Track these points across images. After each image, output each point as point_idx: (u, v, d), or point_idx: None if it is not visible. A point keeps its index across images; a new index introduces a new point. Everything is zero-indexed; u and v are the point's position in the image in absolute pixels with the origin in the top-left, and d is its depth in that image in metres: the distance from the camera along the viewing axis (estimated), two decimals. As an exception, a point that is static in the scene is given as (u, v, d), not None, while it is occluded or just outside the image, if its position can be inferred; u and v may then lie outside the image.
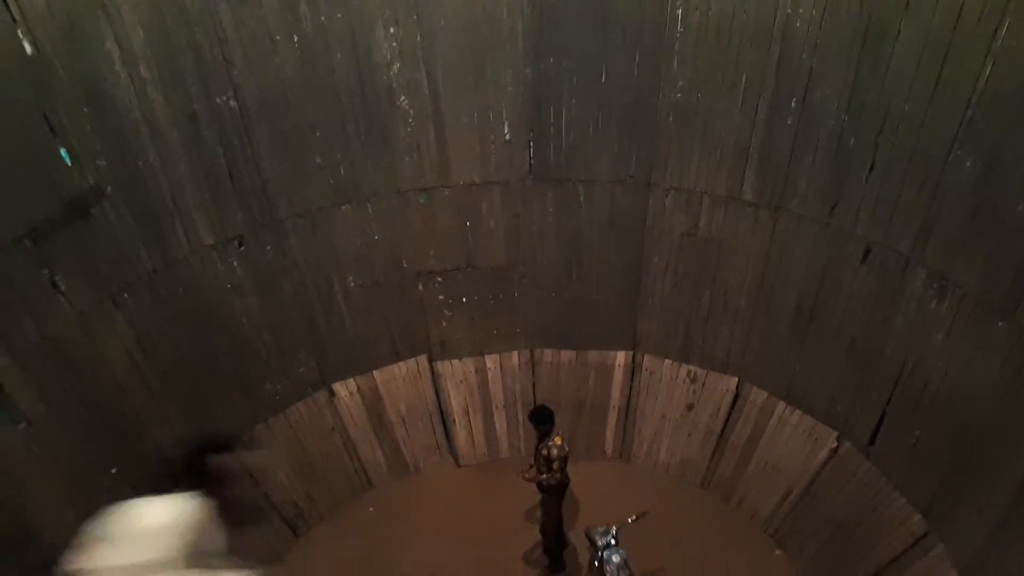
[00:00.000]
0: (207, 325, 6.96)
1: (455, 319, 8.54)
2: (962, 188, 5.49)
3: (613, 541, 6.74)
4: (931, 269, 5.93)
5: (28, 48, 5.11)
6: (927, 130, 5.62)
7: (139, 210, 6.16)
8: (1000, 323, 5.40)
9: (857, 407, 6.95)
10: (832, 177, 6.49)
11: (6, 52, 5.00)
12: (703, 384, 8.26)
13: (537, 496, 7.15)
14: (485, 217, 8.04)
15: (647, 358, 8.53)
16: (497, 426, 8.86)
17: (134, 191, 6.09)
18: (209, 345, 7.03)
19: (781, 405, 7.70)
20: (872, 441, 6.83)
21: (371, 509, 8.28)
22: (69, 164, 5.56)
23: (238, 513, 3.93)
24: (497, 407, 8.85)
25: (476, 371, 8.79)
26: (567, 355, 8.75)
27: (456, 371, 8.76)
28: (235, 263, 7.03)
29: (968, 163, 5.39)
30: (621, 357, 8.62)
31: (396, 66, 7.07)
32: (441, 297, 8.39)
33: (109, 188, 5.88)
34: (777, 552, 7.61)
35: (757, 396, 7.91)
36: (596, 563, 6.74)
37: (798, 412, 7.57)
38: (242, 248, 7.03)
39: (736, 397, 8.08)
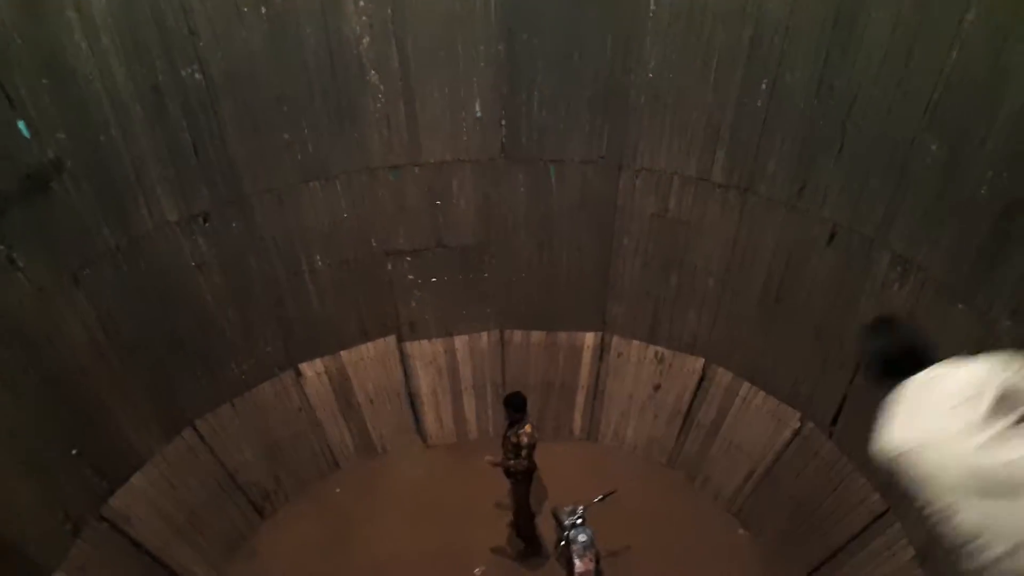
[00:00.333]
0: (171, 303, 6.84)
1: (424, 299, 8.49)
2: (927, 172, 5.57)
3: (580, 520, 6.80)
4: (895, 252, 6.02)
5: None
6: (894, 114, 5.69)
7: (101, 185, 6.02)
8: (960, 306, 5.51)
9: (820, 388, 7.06)
10: (800, 159, 6.55)
11: (-40, 19, 4.83)
12: (670, 365, 8.33)
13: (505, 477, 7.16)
14: (455, 196, 7.98)
15: (615, 339, 8.57)
16: (466, 407, 8.85)
17: (95, 165, 5.94)
18: (173, 324, 6.91)
19: (746, 386, 7.80)
20: (834, 422, 6.95)
21: (338, 490, 8.24)
22: (27, 137, 5.42)
23: None
24: (466, 388, 8.84)
25: (445, 352, 8.76)
26: (537, 336, 8.76)
27: (425, 352, 8.72)
28: (200, 240, 6.91)
29: (933, 147, 5.47)
30: (590, 338, 8.65)
31: (366, 40, 6.96)
32: (410, 277, 8.33)
33: (69, 162, 5.74)
34: (740, 531, 7.73)
35: (723, 377, 8.00)
36: (563, 542, 6.80)
37: (763, 393, 7.67)
38: (207, 225, 6.90)
39: (702, 378, 8.16)
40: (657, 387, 8.42)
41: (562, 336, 8.69)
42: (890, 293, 6.12)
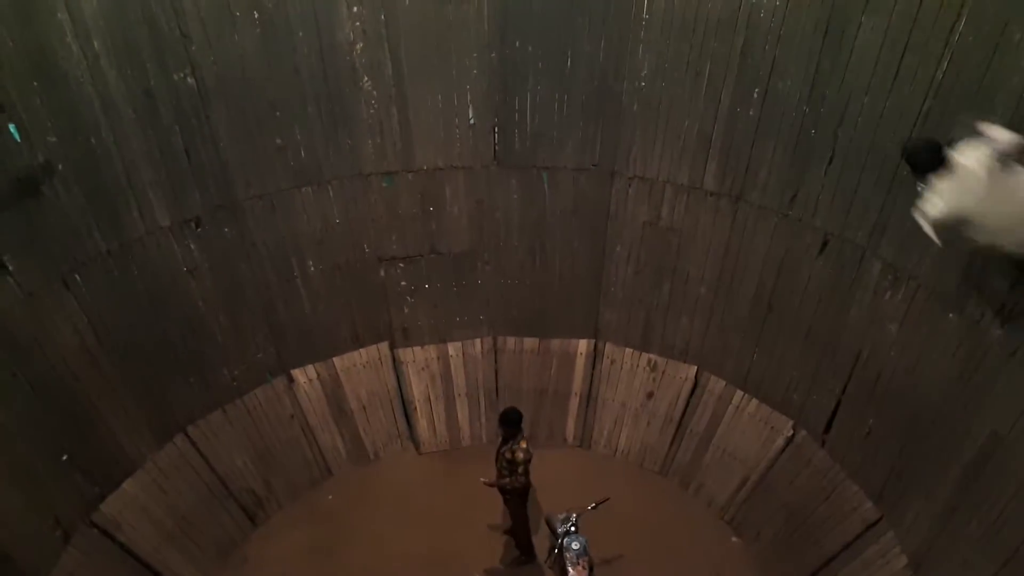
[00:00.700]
0: (162, 308, 6.82)
1: (417, 305, 8.48)
2: (917, 181, 5.57)
3: (573, 528, 6.77)
4: (886, 261, 6.04)
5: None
6: (885, 123, 5.71)
7: (92, 189, 6.01)
8: (951, 315, 5.52)
9: (813, 396, 7.06)
10: (792, 168, 6.56)
11: (-50, 21, 4.82)
12: (663, 372, 8.32)
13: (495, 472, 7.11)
14: (449, 202, 7.98)
15: (608, 346, 8.57)
16: (459, 413, 8.83)
17: (87, 169, 5.93)
18: (164, 329, 6.89)
19: (739, 394, 7.80)
20: (827, 430, 6.95)
21: (331, 497, 8.21)
22: (18, 140, 5.40)
23: None
24: (459, 394, 8.82)
25: (438, 358, 8.75)
26: (530, 343, 8.75)
27: (418, 358, 8.71)
28: (192, 245, 6.89)
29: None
30: (583, 345, 8.65)
31: (359, 46, 6.97)
32: (403, 283, 8.32)
33: (60, 165, 5.73)
34: (734, 538, 7.71)
35: (715, 385, 8.00)
36: (556, 550, 6.77)
37: (755, 401, 7.67)
38: (199, 229, 6.89)
39: (695, 386, 8.16)
40: (650, 394, 8.41)
41: (555, 343, 8.69)
42: (882, 301, 6.13)
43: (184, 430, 7.27)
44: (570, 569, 6.63)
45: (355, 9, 6.79)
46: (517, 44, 7.14)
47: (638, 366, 8.46)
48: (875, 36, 5.56)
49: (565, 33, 7.03)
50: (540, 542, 7.48)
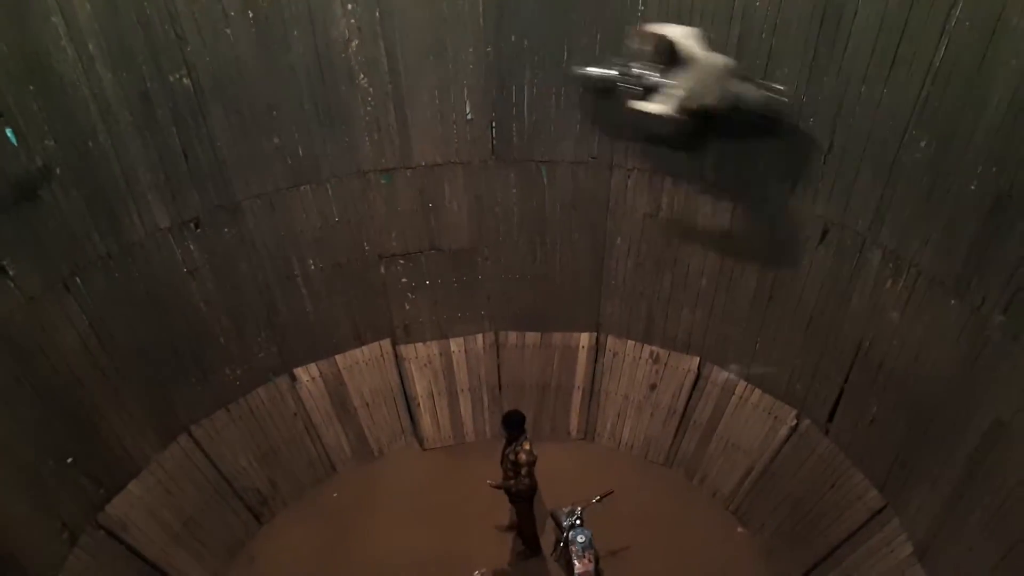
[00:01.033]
0: (164, 310, 6.83)
1: (418, 302, 8.48)
2: (917, 168, 5.57)
3: (578, 521, 6.79)
4: (887, 249, 6.02)
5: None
6: (883, 110, 5.68)
7: (90, 192, 6.01)
8: (953, 301, 5.52)
9: (816, 385, 7.06)
10: (791, 157, 6.53)
11: (-56, 27, 4.82)
12: (665, 364, 8.32)
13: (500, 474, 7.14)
14: (447, 198, 7.97)
15: (610, 339, 8.57)
16: (462, 409, 8.84)
17: (85, 172, 5.93)
18: (166, 330, 6.90)
19: (742, 384, 7.80)
20: (831, 418, 6.95)
21: (335, 495, 8.23)
22: (15, 144, 5.40)
23: None
24: (462, 390, 8.83)
25: (440, 354, 8.75)
26: (531, 337, 8.75)
27: (420, 354, 8.71)
28: (192, 246, 6.90)
29: (922, 143, 5.47)
30: (585, 338, 8.64)
31: (355, 43, 6.94)
32: (404, 280, 8.32)
33: (58, 169, 5.73)
34: (739, 529, 7.72)
35: (718, 375, 8.00)
36: (561, 543, 6.79)
37: (758, 391, 7.67)
38: (198, 230, 6.89)
39: (698, 377, 8.15)
40: (653, 386, 8.41)
41: (557, 337, 8.68)
42: (883, 289, 6.12)
43: (188, 430, 7.29)
44: (576, 562, 6.65)
45: (349, 6, 6.76)
46: (512, 38, 7.11)
47: (640, 358, 8.46)
48: (871, 23, 5.53)
49: (560, 26, 7.00)
50: (545, 536, 7.51)
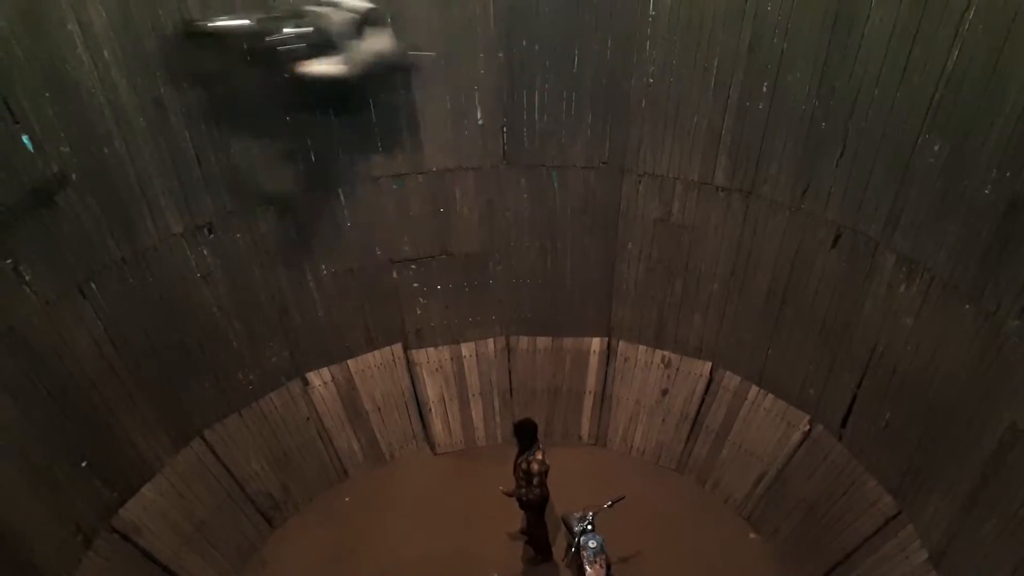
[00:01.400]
0: (177, 314, 6.86)
1: (430, 307, 8.50)
2: (930, 172, 5.54)
3: (590, 526, 6.77)
4: (900, 253, 6.00)
5: None
6: (896, 114, 5.67)
7: (105, 198, 6.05)
8: (967, 306, 5.48)
9: (829, 390, 7.02)
10: (803, 162, 6.53)
11: (-37, 35, 4.87)
12: (677, 369, 8.30)
13: (513, 481, 7.14)
14: (459, 203, 7.99)
15: (622, 344, 8.56)
16: (473, 414, 8.85)
17: (100, 178, 5.97)
18: (180, 335, 6.93)
19: (754, 389, 7.77)
20: (844, 424, 6.91)
21: (347, 499, 8.24)
22: (31, 151, 5.44)
23: None
24: (473, 395, 8.84)
25: (452, 359, 8.77)
26: (543, 342, 8.75)
27: (432, 359, 8.73)
28: (205, 251, 6.93)
29: (936, 147, 5.45)
30: (596, 343, 8.64)
31: (367, 50, 6.98)
32: (416, 284, 8.34)
33: (74, 175, 5.77)
34: (751, 535, 7.68)
35: (730, 381, 7.97)
36: (573, 549, 6.77)
37: (771, 396, 7.64)
38: (212, 235, 6.93)
39: (710, 382, 8.13)
40: (665, 391, 8.39)
41: (568, 341, 8.68)
42: (896, 294, 6.09)
43: (201, 434, 7.32)
44: (587, 568, 6.63)
45: (362, 12, 6.81)
46: (524, 43, 7.14)
47: (652, 363, 8.44)
48: (884, 27, 5.53)
49: (572, 31, 7.03)
50: (557, 541, 7.49)
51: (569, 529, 7.06)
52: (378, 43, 6.20)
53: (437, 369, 8.75)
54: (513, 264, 8.37)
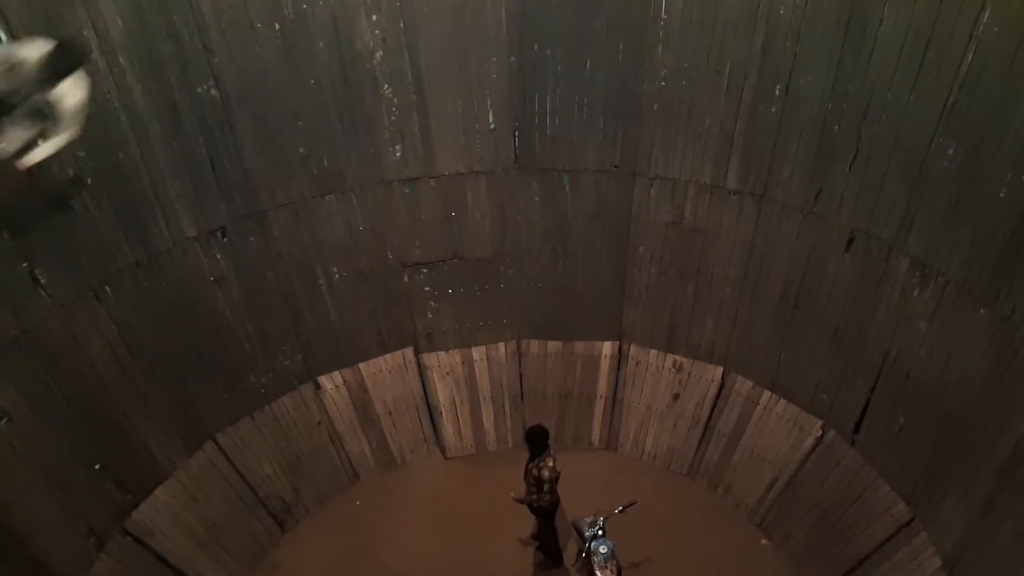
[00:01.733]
0: (191, 318, 6.91)
1: (441, 310, 8.51)
2: (944, 175, 5.51)
3: (600, 532, 6.75)
4: (914, 257, 5.96)
5: (3, 36, 5.03)
6: (910, 117, 5.64)
7: (120, 202, 6.10)
8: (982, 310, 5.44)
9: (842, 395, 6.98)
10: (816, 165, 6.50)
11: (-19, 40, 4.93)
12: (689, 374, 8.27)
13: (524, 487, 7.13)
14: (471, 207, 8.00)
15: (633, 348, 8.53)
16: (484, 418, 8.84)
17: (115, 182, 6.03)
18: (193, 338, 6.98)
19: (766, 394, 7.73)
20: (857, 429, 6.86)
21: (358, 502, 8.25)
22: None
23: None
24: (484, 399, 8.83)
25: (463, 363, 8.77)
26: (554, 346, 8.74)
27: (443, 363, 8.73)
28: (218, 255, 6.97)
29: (950, 150, 5.41)
30: (607, 347, 8.62)
31: (379, 54, 7.02)
32: (427, 288, 8.35)
33: (89, 179, 5.82)
34: (763, 540, 7.64)
35: (742, 385, 7.93)
36: (584, 554, 6.76)
37: (783, 401, 7.59)
38: (225, 239, 6.97)
39: (722, 386, 8.10)
40: (676, 396, 8.36)
41: (579, 346, 8.67)
42: (910, 298, 6.05)
43: (213, 438, 7.35)
44: (598, 573, 6.62)
45: (374, 18, 6.84)
46: (536, 47, 7.15)
47: (663, 368, 8.42)
48: (898, 30, 5.50)
49: (583, 35, 7.03)
50: (568, 546, 7.47)
51: (580, 534, 7.04)
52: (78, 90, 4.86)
53: (448, 373, 8.75)
54: (524, 268, 8.37)
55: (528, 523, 7.45)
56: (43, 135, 4.88)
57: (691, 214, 7.56)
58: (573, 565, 7.30)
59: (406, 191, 7.79)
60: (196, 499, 7.12)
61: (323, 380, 8.23)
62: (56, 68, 4.77)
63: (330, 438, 8.28)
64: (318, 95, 6.95)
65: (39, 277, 5.59)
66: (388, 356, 8.55)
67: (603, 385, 8.68)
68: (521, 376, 8.84)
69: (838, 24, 5.87)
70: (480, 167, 7.80)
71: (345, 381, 8.36)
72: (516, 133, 7.64)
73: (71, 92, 4.84)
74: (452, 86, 7.32)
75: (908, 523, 6.25)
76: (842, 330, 6.79)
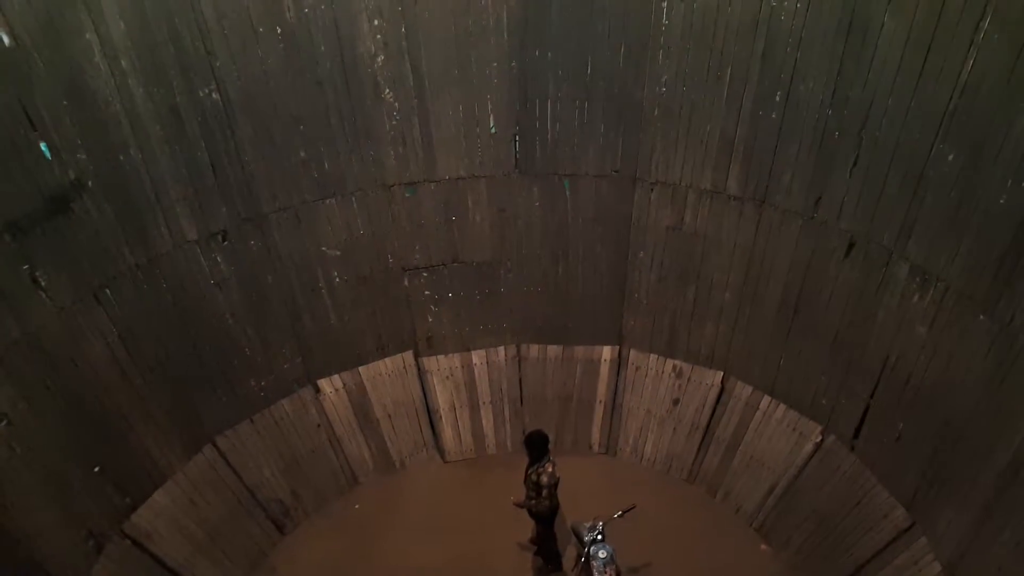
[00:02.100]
0: (191, 321, 6.91)
1: (441, 314, 8.51)
2: (944, 181, 5.52)
3: (600, 536, 6.74)
4: (914, 263, 5.96)
5: (6, 40, 5.05)
6: (910, 123, 5.65)
7: (121, 205, 6.11)
8: (982, 316, 5.44)
9: (841, 401, 6.98)
10: (816, 171, 6.51)
11: (-17, 44, 4.94)
12: (688, 379, 8.27)
13: (523, 492, 7.13)
14: (471, 211, 8.01)
15: (633, 353, 8.54)
16: (483, 422, 8.84)
17: (116, 185, 6.03)
18: (193, 341, 6.98)
19: (766, 399, 7.73)
20: (856, 435, 6.86)
21: (357, 506, 8.24)
22: (49, 158, 5.51)
23: None
24: (483, 403, 8.83)
25: (462, 367, 8.77)
26: (553, 350, 8.75)
27: (442, 367, 8.73)
28: (219, 258, 6.98)
29: (950, 156, 5.42)
30: (607, 352, 8.62)
31: (380, 58, 7.03)
32: (427, 292, 8.36)
33: (90, 182, 5.83)
34: (762, 546, 7.63)
35: (742, 390, 7.94)
36: (583, 558, 6.74)
37: (783, 406, 7.59)
38: (225, 243, 6.98)
39: (721, 392, 8.10)
40: (676, 401, 8.36)
41: (579, 350, 8.67)
42: (910, 304, 6.05)
43: (213, 441, 7.35)
44: (597, 577, 6.60)
45: (376, 22, 6.86)
46: (537, 53, 7.16)
47: (663, 372, 8.42)
48: (898, 36, 5.52)
49: (584, 41, 7.05)
50: (567, 550, 7.46)
51: (579, 539, 7.03)
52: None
53: (448, 377, 8.75)
54: (524, 272, 8.37)
55: (527, 527, 7.45)
56: None
57: (691, 219, 7.57)
58: (572, 569, 7.27)
59: (407, 195, 7.80)
60: (195, 502, 7.11)
61: (323, 383, 8.22)
62: None
63: (329, 442, 8.27)
64: (319, 99, 6.96)
65: (39, 279, 5.59)
66: (388, 360, 8.55)
67: (603, 390, 8.68)
68: (521, 380, 8.84)
69: (839, 30, 5.89)
70: (481, 171, 7.81)
71: (345, 384, 8.36)
72: (517, 137, 7.65)
73: None
74: (453, 90, 7.33)
75: (908, 529, 6.25)
76: (842, 336, 6.79)
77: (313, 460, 8.15)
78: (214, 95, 6.41)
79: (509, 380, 8.83)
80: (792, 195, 6.79)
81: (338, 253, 7.74)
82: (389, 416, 8.61)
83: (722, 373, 8.07)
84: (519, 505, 6.97)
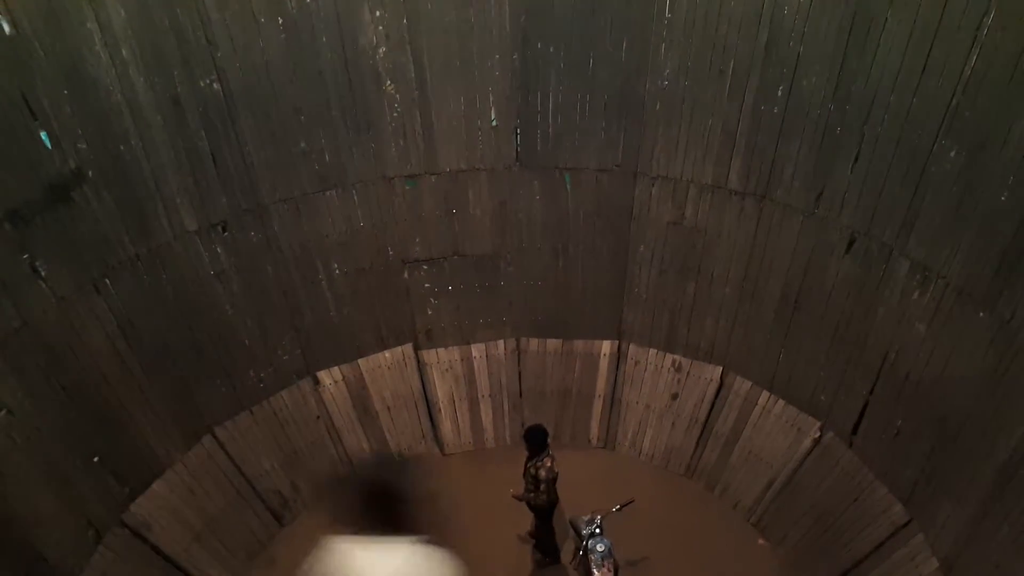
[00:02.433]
0: (190, 312, 6.90)
1: (441, 307, 8.51)
2: (946, 178, 5.51)
3: (598, 530, 6.76)
4: (914, 259, 5.96)
5: (7, 28, 5.03)
6: (912, 119, 5.63)
7: (121, 195, 6.09)
8: (981, 313, 5.44)
9: (840, 397, 6.98)
10: (818, 166, 6.50)
11: (-16, 32, 4.92)
12: (688, 373, 8.27)
13: (522, 485, 7.14)
14: (471, 204, 8.00)
15: (632, 347, 8.54)
16: (483, 415, 8.85)
17: (116, 175, 6.01)
18: (193, 332, 6.98)
19: (765, 395, 7.74)
20: (855, 431, 6.87)
21: (356, 498, 8.24)
22: (49, 147, 5.49)
23: None
24: (483, 396, 8.84)
25: (462, 360, 8.77)
26: (553, 344, 8.75)
27: (442, 360, 8.74)
28: (219, 249, 6.97)
29: (952, 153, 5.41)
30: (606, 346, 8.62)
31: (382, 50, 7.01)
32: (427, 285, 8.35)
33: (90, 172, 5.81)
34: (760, 541, 7.65)
35: (741, 385, 7.94)
36: (581, 552, 6.76)
37: (782, 402, 7.60)
38: (226, 234, 6.97)
39: (720, 386, 8.10)
40: (675, 396, 8.37)
41: (578, 344, 8.67)
42: (910, 300, 6.05)
43: (212, 432, 7.35)
44: (595, 571, 6.62)
45: (378, 13, 6.83)
46: (539, 45, 7.14)
47: (662, 367, 8.42)
48: (901, 31, 5.50)
49: (587, 34, 7.03)
50: (565, 544, 7.47)
51: (577, 532, 7.04)
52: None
53: (447, 370, 8.76)
54: (524, 266, 8.37)
55: (526, 521, 7.46)
56: None
57: (692, 214, 7.56)
58: (570, 563, 7.30)
59: (407, 187, 7.79)
60: (194, 493, 7.12)
61: (322, 375, 8.22)
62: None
63: (328, 433, 8.28)
64: (320, 90, 6.94)
65: (39, 269, 5.58)
66: (387, 352, 8.55)
67: (602, 384, 8.69)
68: (520, 374, 8.84)
69: (842, 25, 5.87)
70: (481, 164, 7.79)
71: (344, 377, 8.36)
72: (518, 131, 7.64)
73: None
74: (454, 83, 7.31)
75: (905, 525, 6.26)
76: (841, 331, 6.79)
77: (312, 451, 8.16)
78: (215, 85, 6.39)
79: (508, 373, 8.84)
80: (793, 190, 6.78)
81: (338, 245, 7.73)
82: (388, 409, 8.62)
83: (721, 368, 8.08)
84: (518, 498, 6.98)
